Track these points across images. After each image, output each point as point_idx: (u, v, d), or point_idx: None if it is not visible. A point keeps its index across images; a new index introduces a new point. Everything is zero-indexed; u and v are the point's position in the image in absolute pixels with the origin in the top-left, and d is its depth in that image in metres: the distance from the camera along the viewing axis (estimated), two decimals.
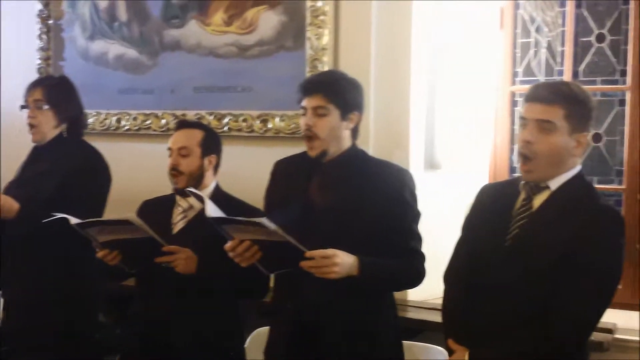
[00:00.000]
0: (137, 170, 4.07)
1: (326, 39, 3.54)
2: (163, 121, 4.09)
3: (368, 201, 2.35)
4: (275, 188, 2.56)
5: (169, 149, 2.76)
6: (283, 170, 2.58)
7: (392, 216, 2.36)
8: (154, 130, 4.12)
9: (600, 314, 2.12)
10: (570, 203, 2.12)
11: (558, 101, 2.10)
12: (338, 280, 2.22)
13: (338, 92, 2.40)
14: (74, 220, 2.50)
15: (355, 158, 2.46)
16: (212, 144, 2.80)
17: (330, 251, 2.20)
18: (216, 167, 2.84)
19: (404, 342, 2.73)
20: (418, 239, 2.45)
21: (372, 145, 3.41)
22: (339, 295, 2.30)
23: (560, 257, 2.05)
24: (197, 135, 2.77)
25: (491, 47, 3.59)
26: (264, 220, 2.13)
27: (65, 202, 2.78)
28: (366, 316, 2.39)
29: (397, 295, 3.17)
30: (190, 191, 2.47)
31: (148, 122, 4.15)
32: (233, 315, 2.72)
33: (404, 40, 3.41)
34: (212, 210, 2.27)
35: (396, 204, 2.38)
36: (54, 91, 3.12)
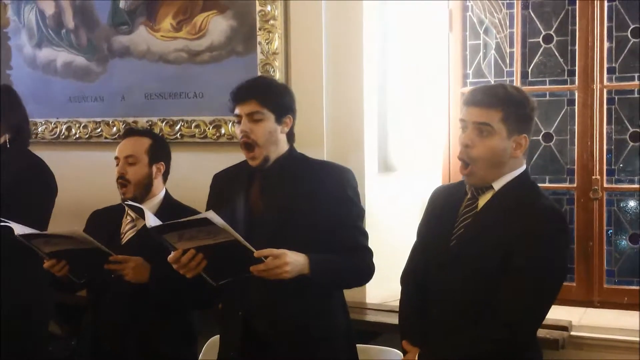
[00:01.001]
0: (89, 179, 4.00)
1: (277, 43, 3.52)
2: (114, 129, 4.03)
3: (310, 202, 2.34)
4: (215, 200, 2.53)
5: (116, 157, 2.72)
6: (221, 182, 2.56)
7: (336, 214, 2.36)
8: (105, 138, 4.06)
9: (544, 312, 2.14)
10: (513, 202, 2.14)
11: (495, 104, 2.12)
12: (286, 282, 2.20)
13: (272, 96, 2.40)
14: (18, 231, 2.45)
15: (294, 161, 2.46)
16: (160, 151, 2.77)
17: (279, 251, 2.18)
18: (165, 175, 2.81)
19: (361, 345, 2.73)
20: (364, 235, 2.45)
21: (327, 148, 3.41)
22: (288, 297, 2.29)
23: (503, 256, 2.07)
24: (144, 142, 2.74)
25: (441, 48, 3.61)
26: (210, 214, 2.08)
27: (8, 212, 2.72)
28: (316, 319, 2.38)
29: (355, 297, 3.20)
30: (129, 204, 2.44)
31: (99, 130, 4.08)
32: (186, 325, 2.69)
33: (355, 42, 3.41)
34: (153, 221, 2.23)
35: (339, 202, 2.38)
36: None
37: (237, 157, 2.67)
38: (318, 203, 2.34)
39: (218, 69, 3.73)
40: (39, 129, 4.19)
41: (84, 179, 3.97)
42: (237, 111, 2.40)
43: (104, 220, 2.69)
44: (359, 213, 2.46)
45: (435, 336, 2.18)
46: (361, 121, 3.41)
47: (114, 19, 4.00)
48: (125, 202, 2.51)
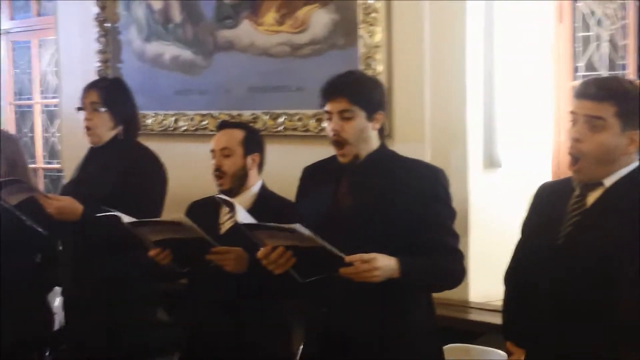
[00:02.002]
0: (195, 170, 4.08)
1: (379, 36, 3.48)
2: (219, 121, 4.10)
3: (400, 201, 2.30)
4: (304, 194, 2.52)
5: (212, 150, 2.77)
6: (311, 176, 2.54)
7: (426, 215, 2.30)
8: (211, 131, 4.13)
9: None
10: (624, 200, 2.04)
11: (608, 98, 2.02)
12: (371, 283, 2.17)
13: (362, 93, 2.36)
14: (125, 219, 2.52)
15: (385, 158, 2.41)
16: (253, 142, 2.80)
17: (370, 255, 2.15)
18: (260, 166, 2.83)
19: (462, 345, 2.69)
20: (455, 236, 2.38)
21: (429, 144, 3.36)
22: (372, 298, 2.26)
23: (616, 256, 1.99)
24: (238, 134, 2.77)
25: (549, 40, 3.48)
26: (298, 227, 2.08)
27: (120, 203, 2.80)
28: (400, 317, 2.34)
29: (457, 295, 3.14)
30: (220, 198, 2.47)
31: (205, 122, 4.17)
32: (280, 316, 2.71)
33: (459, 34, 3.33)
34: (243, 217, 2.26)
35: (429, 202, 2.32)
36: (109, 93, 3.14)
37: None
38: (407, 202, 2.30)
39: (319, 62, 3.73)
40: (148, 121, 4.31)
41: (191, 171, 4.05)
42: (327, 108, 2.38)
43: (203, 211, 2.74)
44: (450, 214, 2.39)
45: (544, 338, 2.11)
46: (464, 115, 3.34)
47: (218, 13, 4.07)
48: (218, 196, 2.54)
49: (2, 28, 5.60)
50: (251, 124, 3.99)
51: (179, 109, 4.28)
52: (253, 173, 2.77)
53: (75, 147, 4.59)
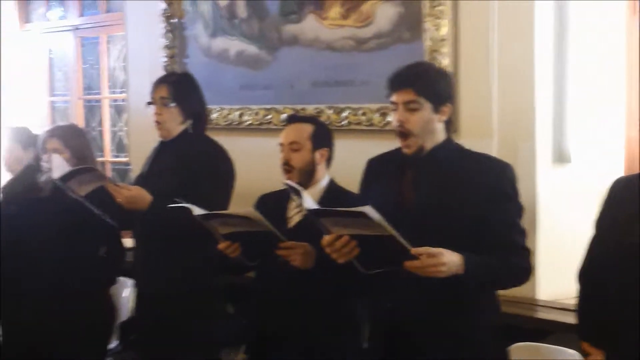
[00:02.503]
0: (259, 164, 4.12)
1: (445, 29, 3.44)
2: (283, 116, 4.13)
3: (466, 196, 2.26)
4: (368, 186, 2.51)
5: (281, 144, 2.77)
6: (376, 168, 2.52)
7: (493, 211, 2.26)
8: (275, 125, 4.16)
9: None
10: None
11: None
12: (435, 279, 2.15)
13: (429, 84, 2.33)
14: (196, 211, 2.55)
15: (451, 152, 2.38)
16: (322, 137, 2.79)
17: (436, 250, 2.12)
18: (328, 161, 2.83)
19: (530, 343, 2.64)
20: (522, 233, 2.34)
21: (496, 138, 3.30)
22: (436, 294, 2.24)
23: None
24: (307, 129, 2.77)
25: (622, 34, 3.38)
26: (368, 209, 2.05)
27: (188, 196, 2.84)
28: (464, 314, 2.31)
29: (524, 293, 3.09)
30: (288, 184, 2.47)
31: (269, 116, 4.20)
32: (348, 311, 2.70)
33: (528, 26, 3.27)
34: (310, 203, 2.26)
35: (496, 198, 2.28)
36: (179, 88, 3.18)
37: None
38: (473, 198, 2.26)
39: (384, 56, 3.71)
40: (213, 116, 4.36)
41: (255, 165, 4.09)
42: (393, 98, 2.36)
43: (271, 204, 2.75)
44: (518, 210, 2.35)
45: (624, 339, 2.05)
46: (533, 109, 3.27)
47: (283, 8, 4.08)
48: (285, 182, 2.55)
49: (71, 25, 5.74)
50: None
51: (244, 104, 4.32)
52: (321, 167, 2.77)
53: (142, 140, 4.69)
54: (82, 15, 5.73)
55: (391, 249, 2.12)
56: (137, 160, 4.82)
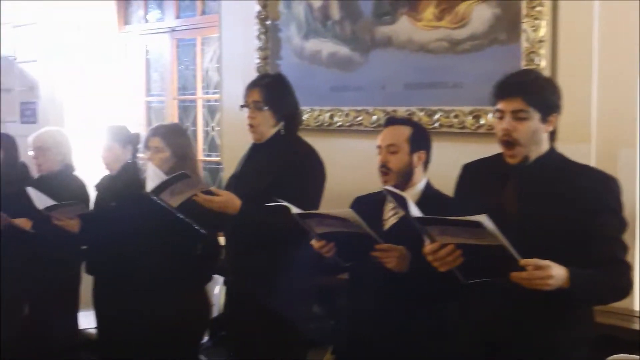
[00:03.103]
0: (349, 166, 4.13)
1: (543, 30, 3.36)
2: (374, 117, 4.12)
3: (571, 209, 2.20)
4: (465, 193, 2.45)
5: (378, 146, 2.75)
6: (473, 175, 2.47)
7: (597, 226, 2.20)
8: (365, 127, 4.16)
9: None
10: None
11: None
12: (536, 292, 2.10)
13: (538, 94, 2.28)
14: (294, 210, 2.57)
15: (555, 163, 2.32)
16: (420, 139, 2.76)
17: (545, 262, 2.07)
18: (426, 164, 2.79)
19: (629, 355, 2.54)
20: (624, 248, 2.26)
21: (595, 144, 3.20)
22: (533, 305, 2.19)
23: None
24: (405, 131, 2.74)
25: None
26: (484, 219, 2.00)
27: (280, 197, 2.85)
28: (561, 327, 2.25)
29: (622, 304, 2.97)
30: (389, 190, 2.45)
31: (359, 118, 4.19)
32: (442, 317, 2.66)
33: (630, 27, 3.15)
34: (415, 211, 2.22)
35: (599, 211, 2.21)
36: (271, 91, 3.20)
37: (495, 148, 2.57)
38: (575, 210, 2.20)
39: (479, 58, 3.66)
40: (304, 117, 4.38)
41: (345, 166, 4.10)
42: (499, 106, 2.31)
43: (367, 207, 2.73)
44: (621, 225, 2.27)
45: None
46: (635, 114, 3.16)
47: (377, 9, 4.07)
48: (388, 188, 2.53)
49: (168, 26, 5.89)
50: None
51: (335, 105, 4.33)
52: (418, 170, 2.74)
53: (234, 141, 4.77)
54: (178, 17, 5.86)
55: (498, 259, 2.08)
56: (229, 160, 4.91)
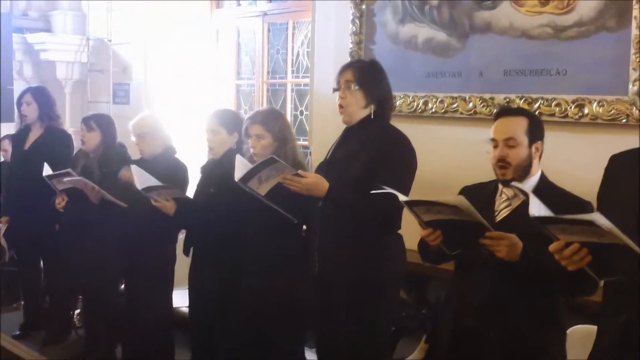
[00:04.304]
0: (442, 153, 4.07)
1: None
2: (470, 104, 4.04)
3: None
4: (611, 187, 2.32)
5: (492, 139, 2.65)
6: (621, 167, 2.32)
7: None
8: (461, 114, 4.08)
9: None
10: None
11: None
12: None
13: None
14: (402, 198, 2.52)
15: None
16: (537, 130, 2.64)
17: None
18: (540, 154, 2.69)
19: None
20: None
21: None
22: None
23: None
24: (522, 123, 2.62)
25: None
26: (597, 217, 1.93)
27: (370, 184, 2.82)
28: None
29: None
30: (515, 186, 2.37)
31: (455, 105, 4.12)
32: (552, 310, 2.58)
33: None
34: (536, 209, 2.14)
35: None
36: (364, 73, 3.16)
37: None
38: None
39: (585, 45, 3.54)
40: (397, 103, 4.33)
41: (438, 153, 4.04)
42: None
43: (476, 197, 2.63)
44: None
45: None
46: None
47: None
48: (513, 184, 2.45)
49: (260, 10, 5.91)
50: None
51: (429, 91, 4.26)
52: (535, 162, 2.63)
53: (323, 125, 4.76)
54: (270, 1, 5.88)
55: (627, 258, 1.99)
56: (317, 144, 4.91)
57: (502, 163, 2.57)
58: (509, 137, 2.58)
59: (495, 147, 2.61)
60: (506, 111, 2.79)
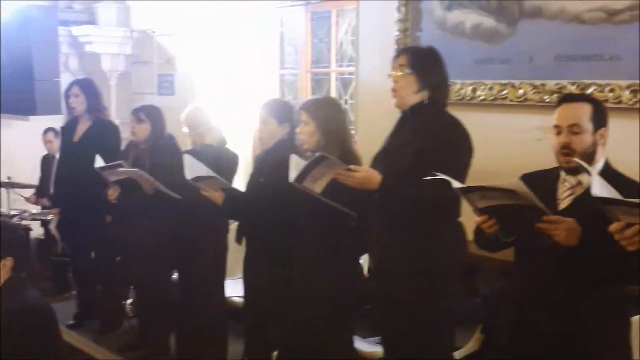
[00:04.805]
0: (491, 141, 4.02)
1: None
2: (520, 91, 4.00)
3: None
4: None
5: (556, 126, 2.61)
6: None
7: None
8: (511, 101, 4.04)
9: None
10: None
11: None
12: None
13: None
14: (455, 184, 2.50)
15: None
16: (601, 116, 2.59)
17: None
18: (605, 142, 2.64)
19: None
20: None
21: None
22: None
23: None
24: (587, 109, 2.57)
25: None
26: None
27: (425, 170, 2.80)
28: None
29: None
30: (579, 162, 2.32)
31: (504, 92, 4.08)
32: (615, 301, 2.54)
33: None
34: (599, 189, 2.12)
35: None
36: (417, 57, 3.12)
37: None
38: None
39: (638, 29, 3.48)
40: None
41: (487, 142, 3.96)
42: None
43: (537, 184, 2.59)
44: None
45: None
46: None
47: None
48: (577, 160, 2.41)
49: None
50: (556, 95, 3.85)
51: (478, 78, 4.22)
52: (600, 149, 2.59)
53: (368, 114, 4.75)
54: None
55: None
56: (362, 132, 4.90)
57: (566, 150, 2.53)
58: (574, 123, 2.53)
59: (559, 133, 2.57)
60: (570, 97, 2.73)
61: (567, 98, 2.67)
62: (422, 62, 3.11)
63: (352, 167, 2.98)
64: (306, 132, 3.35)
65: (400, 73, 3.08)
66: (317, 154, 3.03)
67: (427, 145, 2.99)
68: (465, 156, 3.09)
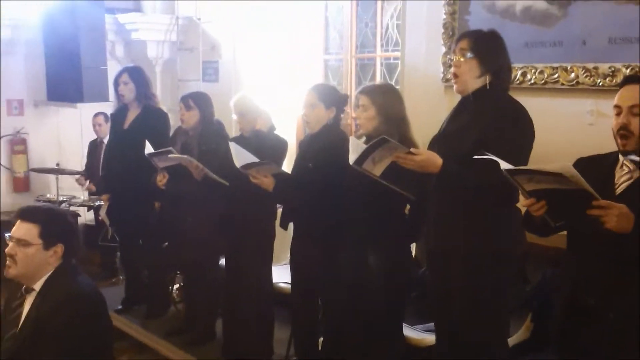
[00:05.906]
0: (541, 126, 3.91)
1: None
2: (572, 75, 3.91)
3: None
4: None
5: (616, 106, 2.53)
6: None
7: None
8: (562, 85, 3.96)
9: None
10: None
11: None
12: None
13: None
14: (503, 166, 2.45)
15: None
16: None
17: None
18: None
19: None
20: None
21: None
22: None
23: None
24: None
25: None
26: None
27: (490, 151, 2.74)
28: None
29: None
30: (632, 159, 2.26)
31: (555, 75, 4.00)
32: None
33: None
34: None
35: None
36: (479, 41, 3.07)
37: None
38: None
39: None
40: None
41: (537, 127, 3.87)
42: None
43: (592, 169, 2.54)
44: None
45: None
46: None
47: None
48: (630, 157, 2.35)
49: None
50: (609, 78, 3.76)
51: (528, 62, 4.14)
52: None
53: (414, 98, 4.69)
54: None
55: None
56: (419, 120, 4.84)
57: (624, 131, 2.45)
58: (635, 104, 2.46)
59: (618, 114, 2.50)
60: (634, 78, 2.65)
61: (630, 79, 2.60)
62: (483, 47, 3.06)
63: (413, 150, 2.96)
64: (365, 117, 3.34)
65: (462, 58, 3.05)
66: (381, 137, 3.00)
67: (489, 129, 2.95)
68: (528, 141, 3.04)
